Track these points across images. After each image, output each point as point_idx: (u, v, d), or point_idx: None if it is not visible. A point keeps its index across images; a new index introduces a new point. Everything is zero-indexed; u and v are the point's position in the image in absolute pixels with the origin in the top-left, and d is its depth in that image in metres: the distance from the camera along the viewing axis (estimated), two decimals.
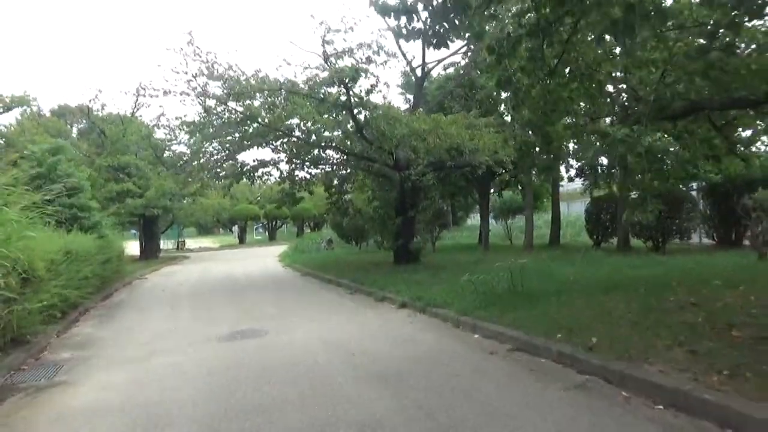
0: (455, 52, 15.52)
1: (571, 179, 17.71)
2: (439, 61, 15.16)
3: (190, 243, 48.08)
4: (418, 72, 14.39)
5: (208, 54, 11.42)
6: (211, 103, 12.26)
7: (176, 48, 11.12)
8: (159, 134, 25.67)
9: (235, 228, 47.70)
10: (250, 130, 13.47)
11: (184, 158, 14.08)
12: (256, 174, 14.65)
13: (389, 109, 11.15)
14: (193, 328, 8.68)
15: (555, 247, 17.72)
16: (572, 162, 18.82)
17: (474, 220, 37.30)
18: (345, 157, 14.50)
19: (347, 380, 5.29)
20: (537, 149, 8.43)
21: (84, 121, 28.76)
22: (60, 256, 9.04)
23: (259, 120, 12.24)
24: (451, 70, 19.88)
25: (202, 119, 12.12)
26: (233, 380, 5.50)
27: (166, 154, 24.92)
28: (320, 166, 16.09)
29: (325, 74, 10.64)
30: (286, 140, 14.63)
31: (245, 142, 13.64)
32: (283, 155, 15.13)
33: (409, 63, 14.09)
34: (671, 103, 8.40)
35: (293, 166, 15.92)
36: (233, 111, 11.75)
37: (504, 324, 6.88)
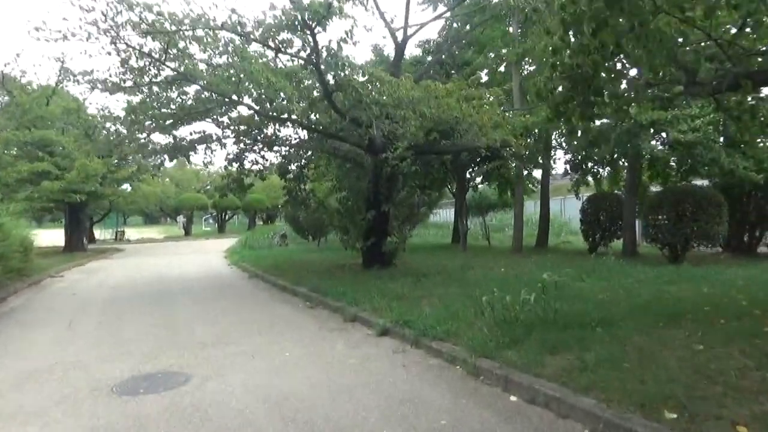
0: (440, 16, 13.04)
1: (566, 172, 15.62)
2: (422, 25, 12.73)
3: (133, 233, 44.12)
4: (399, 35, 11.86)
5: None
6: (139, 59, 9.33)
7: None
8: (92, 109, 22.19)
9: (180, 218, 43.88)
10: (188, 101, 10.61)
11: (120, 137, 11.04)
12: (194, 152, 11.79)
13: (370, 69, 8.54)
14: (83, 364, 5.92)
15: (545, 251, 15.58)
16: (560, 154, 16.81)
17: (438, 216, 35.07)
18: (307, 135, 11.83)
19: None
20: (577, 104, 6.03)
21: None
22: None
23: (199, 82, 9.45)
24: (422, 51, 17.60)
25: (120, 76, 9.20)
26: None
27: (105, 133, 21.44)
28: (276, 149, 13.34)
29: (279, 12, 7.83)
30: (233, 113, 11.85)
31: (182, 114, 10.81)
32: (229, 132, 12.31)
33: (388, 24, 11.55)
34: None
35: (242, 146, 13.12)
36: (156, 62, 8.84)
37: (553, 378, 4.48)
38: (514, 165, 14.11)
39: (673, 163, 14.55)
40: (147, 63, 8.83)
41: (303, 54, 8.39)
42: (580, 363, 4.71)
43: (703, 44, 6.12)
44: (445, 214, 37.56)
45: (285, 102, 9.48)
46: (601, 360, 4.71)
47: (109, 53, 8.83)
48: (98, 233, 42.26)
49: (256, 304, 9.76)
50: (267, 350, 6.27)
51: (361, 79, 8.77)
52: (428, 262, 13.36)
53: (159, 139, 11.38)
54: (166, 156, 11.95)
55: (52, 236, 27.53)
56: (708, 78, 6.38)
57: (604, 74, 5.44)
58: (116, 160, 19.71)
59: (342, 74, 8.44)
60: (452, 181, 18.39)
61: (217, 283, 13.30)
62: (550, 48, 5.37)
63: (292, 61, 9.85)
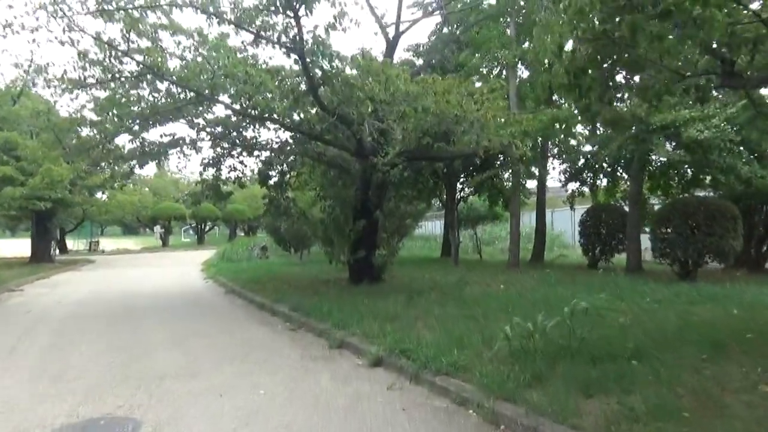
0: (431, 13, 12.19)
1: (565, 183, 14.82)
2: (415, 21, 11.89)
3: (108, 244, 42.47)
4: (390, 32, 10.97)
5: None
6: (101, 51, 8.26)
7: None
8: (63, 112, 20.86)
9: (157, 228, 42.36)
10: (160, 100, 9.55)
11: (91, 141, 9.90)
12: (165, 157, 10.73)
13: (363, 59, 7.56)
14: (11, 405, 4.84)
15: (541, 265, 14.73)
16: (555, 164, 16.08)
17: (423, 228, 34.14)
18: (289, 137, 10.83)
19: None
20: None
21: None
22: None
23: (168, 77, 8.42)
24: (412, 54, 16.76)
25: (80, 71, 8.12)
26: None
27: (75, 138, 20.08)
28: (255, 154, 12.30)
29: None
30: (208, 114, 10.83)
31: (150, 114, 9.76)
32: (204, 135, 11.29)
33: (378, 19, 10.67)
34: None
35: (219, 150, 12.09)
36: (118, 54, 7.77)
37: None
38: (509, 173, 13.24)
39: (674, 174, 13.86)
40: (108, 55, 7.78)
41: (285, 39, 7.40)
42: (626, 411, 3.79)
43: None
44: (430, 227, 36.67)
45: (265, 99, 8.49)
46: (651, 407, 3.80)
47: (63, 43, 7.76)
48: (71, 244, 40.63)
49: (230, 324, 8.69)
50: (238, 385, 5.24)
51: (351, 72, 7.80)
52: (419, 277, 12.41)
53: (123, 141, 10.24)
54: (135, 162, 10.83)
55: (21, 246, 26.08)
56: (747, 69, 5.59)
57: (642, 42, 4.53)
58: (86, 166, 18.46)
59: (330, 66, 7.49)
60: (441, 191, 17.54)
61: (190, 299, 12.18)
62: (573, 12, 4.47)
63: (271, 58, 8.95)
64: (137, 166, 11.02)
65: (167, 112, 9.93)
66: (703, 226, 10.19)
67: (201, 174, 12.42)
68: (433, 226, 36.50)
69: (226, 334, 7.80)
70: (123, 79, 8.54)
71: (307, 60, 7.50)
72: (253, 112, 8.73)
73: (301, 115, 9.03)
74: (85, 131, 9.58)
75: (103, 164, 11.86)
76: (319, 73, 7.74)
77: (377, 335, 6.58)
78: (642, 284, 9.75)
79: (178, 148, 10.73)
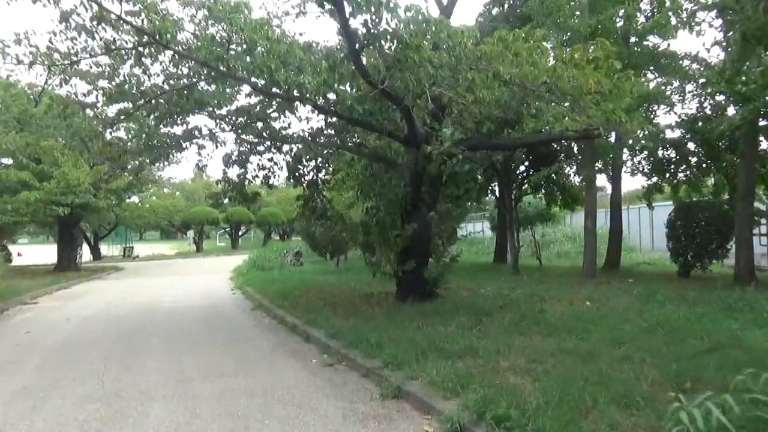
0: None
1: (648, 173, 12.57)
2: None
3: (143, 249, 41.76)
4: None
5: None
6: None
7: None
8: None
9: (190, 233, 41.39)
10: (167, 79, 7.85)
11: (89, 130, 8.36)
12: (178, 151, 9.07)
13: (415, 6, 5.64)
14: None
15: (619, 273, 12.52)
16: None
17: (462, 230, 31.71)
18: (323, 124, 9.04)
19: None
20: None
21: None
22: None
23: (173, 46, 6.72)
24: None
25: (64, 40, 6.51)
26: None
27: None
28: (285, 149, 10.52)
29: None
30: (227, 104, 9.16)
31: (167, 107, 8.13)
32: (225, 125, 9.65)
33: None
34: None
35: (243, 148, 10.42)
36: (110, 18, 6.06)
37: None
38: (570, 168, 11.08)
39: None
40: (95, 14, 6.10)
41: None
42: None
43: None
44: (470, 228, 34.27)
45: (295, 73, 6.71)
46: None
47: (46, 4, 6.13)
48: (106, 249, 40.04)
49: (252, 356, 6.89)
50: None
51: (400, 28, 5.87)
52: (479, 291, 10.44)
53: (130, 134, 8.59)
54: (145, 159, 9.19)
55: (52, 253, 25.21)
56: None
57: None
58: (106, 169, 17.15)
59: (377, 19, 5.60)
60: (491, 187, 15.50)
61: (211, 316, 10.51)
62: None
63: (302, 34, 7.14)
64: (147, 162, 9.37)
65: (180, 105, 8.26)
66: None
67: (224, 172, 10.74)
68: (473, 227, 34.17)
69: (244, 374, 5.98)
70: (119, 50, 6.84)
71: (347, 10, 5.63)
72: (278, 90, 6.95)
73: (338, 93, 7.17)
74: (80, 118, 7.91)
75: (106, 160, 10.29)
76: (361, 30, 5.86)
77: (448, 382, 4.68)
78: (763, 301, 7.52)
79: (194, 141, 9.05)
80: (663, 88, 11.01)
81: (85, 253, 32.91)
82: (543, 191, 16.85)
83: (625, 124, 6.40)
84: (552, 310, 7.84)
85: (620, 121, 6.25)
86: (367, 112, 7.64)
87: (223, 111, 9.67)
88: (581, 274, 11.77)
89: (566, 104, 6.48)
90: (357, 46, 5.93)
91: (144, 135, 8.27)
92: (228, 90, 9.32)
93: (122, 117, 7.97)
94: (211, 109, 9.29)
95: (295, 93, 7.07)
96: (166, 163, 9.96)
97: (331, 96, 7.50)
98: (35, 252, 34.02)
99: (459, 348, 5.80)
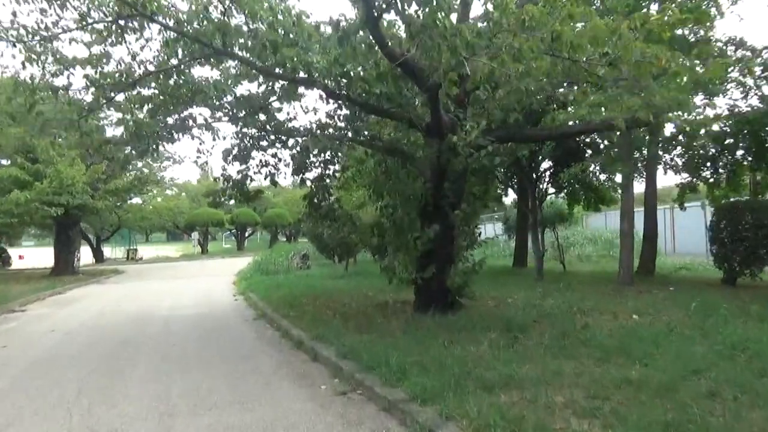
0: None
1: (700, 170, 11.48)
2: None
3: (148, 251, 41.01)
4: None
5: None
6: None
7: None
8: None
9: (194, 235, 40.58)
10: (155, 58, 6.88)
11: (60, 118, 7.53)
12: (169, 142, 8.11)
13: None
14: None
15: (654, 279, 11.44)
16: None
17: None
18: (333, 111, 8.08)
19: None
20: None
21: None
22: None
23: (159, 18, 5.77)
24: None
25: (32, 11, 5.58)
26: None
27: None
28: (291, 143, 9.54)
29: None
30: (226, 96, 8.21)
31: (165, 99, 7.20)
32: (222, 115, 8.70)
33: None
34: None
35: (244, 143, 9.46)
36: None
37: None
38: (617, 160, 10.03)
39: None
40: None
41: None
42: None
43: None
44: (482, 229, 33.15)
45: (303, 52, 5.74)
46: None
47: None
48: (109, 251, 39.31)
49: (251, 379, 5.90)
50: None
51: None
52: (505, 300, 9.43)
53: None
54: (131, 151, 8.23)
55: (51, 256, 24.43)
56: None
57: None
58: (104, 168, 16.26)
59: None
60: (512, 185, 14.40)
61: (210, 326, 9.54)
62: None
63: (311, 14, 6.17)
64: (134, 153, 8.43)
65: (176, 96, 7.31)
66: None
67: (224, 168, 9.79)
68: (484, 230, 33.04)
69: (240, 405, 4.99)
70: (97, 24, 5.89)
71: None
72: (280, 69, 5.99)
73: (352, 75, 6.18)
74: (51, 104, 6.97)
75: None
76: None
77: (496, 428, 3.67)
78: None
79: (188, 132, 8.08)
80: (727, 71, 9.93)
81: (88, 256, 32.17)
82: (566, 190, 15.77)
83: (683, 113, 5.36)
84: (596, 326, 6.80)
85: (687, 108, 5.21)
86: (385, 96, 6.64)
87: (224, 101, 8.73)
88: (617, 281, 10.69)
89: (622, 83, 5.45)
90: (374, 10, 4.92)
91: (131, 123, 7.29)
92: (229, 78, 8.38)
93: (103, 102, 7.00)
94: (211, 99, 8.32)
95: (302, 74, 6.09)
96: (156, 155, 8.97)
97: (342, 79, 6.49)
98: (38, 255, 33.24)
99: (498, 376, 4.79)
